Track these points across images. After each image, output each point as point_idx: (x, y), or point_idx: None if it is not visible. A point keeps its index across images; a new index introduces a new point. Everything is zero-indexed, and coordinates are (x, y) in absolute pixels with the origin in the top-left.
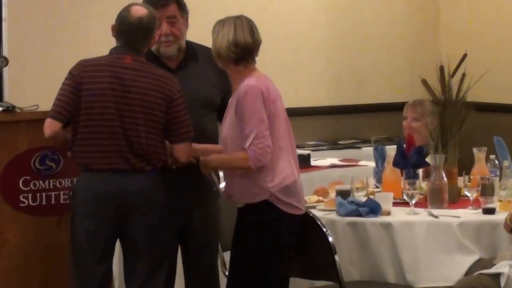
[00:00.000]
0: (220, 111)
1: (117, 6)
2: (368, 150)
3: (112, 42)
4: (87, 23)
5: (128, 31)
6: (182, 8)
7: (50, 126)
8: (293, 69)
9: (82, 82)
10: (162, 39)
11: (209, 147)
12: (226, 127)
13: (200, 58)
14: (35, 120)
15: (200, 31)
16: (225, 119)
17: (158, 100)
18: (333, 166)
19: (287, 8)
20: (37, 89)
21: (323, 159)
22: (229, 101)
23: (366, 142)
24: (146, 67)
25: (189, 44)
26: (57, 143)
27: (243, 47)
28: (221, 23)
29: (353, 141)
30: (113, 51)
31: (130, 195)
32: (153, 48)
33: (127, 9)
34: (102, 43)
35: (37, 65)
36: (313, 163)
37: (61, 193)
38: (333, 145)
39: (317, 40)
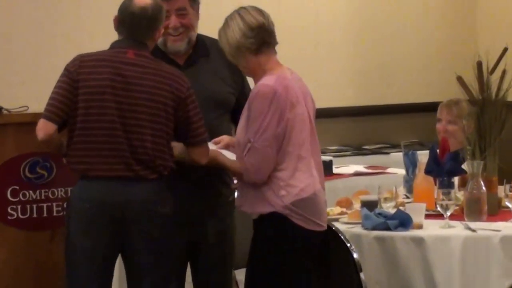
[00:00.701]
0: (234, 113)
1: None
2: (397, 156)
3: (111, 35)
4: (81, 13)
5: (131, 22)
6: None
7: (44, 128)
8: (312, 66)
9: (79, 79)
10: (170, 32)
11: (231, 143)
12: (239, 130)
13: (211, 52)
14: (25, 123)
15: (211, 23)
16: (240, 120)
17: (165, 100)
18: (357, 174)
19: None
20: (26, 88)
21: (347, 166)
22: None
23: (395, 147)
24: (150, 62)
25: (199, 37)
26: (50, 148)
27: (259, 28)
28: (224, 25)
29: (380, 146)
30: (114, 44)
31: (131, 206)
32: (159, 42)
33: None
34: (100, 36)
35: (26, 61)
36: (335, 170)
37: (54, 204)
38: (358, 150)
39: (338, 33)
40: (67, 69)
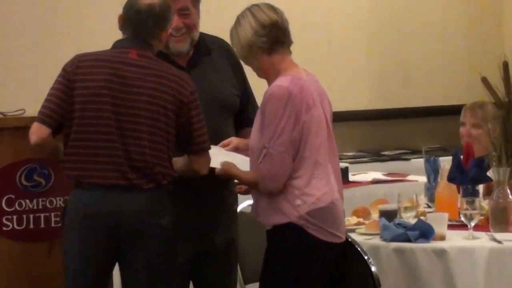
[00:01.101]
0: (238, 116)
1: None
2: (418, 162)
3: (112, 35)
4: (81, 12)
5: (136, 20)
6: None
7: (37, 132)
8: (325, 66)
9: (75, 79)
10: (173, 33)
11: (240, 145)
12: (253, 135)
13: (213, 51)
14: (21, 127)
15: (214, 21)
16: (254, 125)
17: (166, 104)
18: (375, 181)
19: None
20: (23, 90)
21: (364, 173)
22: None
23: (415, 152)
24: (154, 63)
25: (199, 36)
26: (45, 153)
27: (272, 25)
28: (235, 23)
29: (399, 151)
30: (116, 44)
31: (125, 217)
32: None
33: None
34: (100, 36)
35: (23, 60)
36: (351, 178)
37: (52, 214)
38: (376, 156)
39: (354, 29)
40: (64, 69)
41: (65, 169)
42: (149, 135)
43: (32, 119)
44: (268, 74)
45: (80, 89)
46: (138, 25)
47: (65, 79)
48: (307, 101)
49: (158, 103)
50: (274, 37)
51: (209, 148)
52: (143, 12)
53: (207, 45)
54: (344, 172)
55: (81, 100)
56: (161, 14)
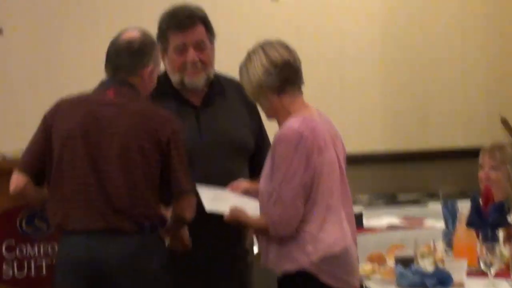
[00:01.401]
0: (253, 159)
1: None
2: (436, 206)
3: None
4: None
5: (114, 57)
6: (210, 32)
7: (15, 181)
8: (338, 106)
9: (52, 125)
10: (188, 67)
11: (251, 188)
12: (263, 179)
13: (228, 91)
14: None
15: (226, 61)
16: (264, 168)
17: (142, 142)
18: (391, 227)
19: (329, 27)
20: (24, 130)
21: (379, 218)
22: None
23: (432, 196)
24: (131, 102)
25: (215, 75)
26: (28, 201)
27: (283, 64)
28: (246, 59)
29: (416, 195)
30: (99, 85)
31: (108, 263)
32: (175, 79)
33: (119, 33)
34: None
35: (23, 101)
36: (366, 223)
37: (55, 261)
38: (391, 200)
39: (368, 66)
40: (44, 116)
41: (49, 218)
42: (125, 174)
43: None
44: (278, 115)
45: (56, 134)
46: (116, 62)
47: (43, 125)
48: (319, 144)
49: (133, 142)
50: (285, 77)
51: (190, 191)
52: (121, 49)
53: (222, 85)
54: (358, 217)
55: (58, 144)
56: (140, 49)
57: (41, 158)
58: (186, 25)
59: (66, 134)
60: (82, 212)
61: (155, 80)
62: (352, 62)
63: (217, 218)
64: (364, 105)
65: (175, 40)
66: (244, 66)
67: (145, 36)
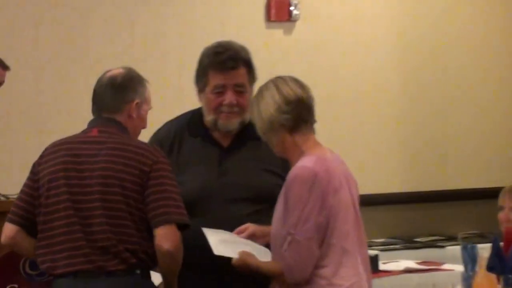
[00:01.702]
0: None
1: None
2: (454, 249)
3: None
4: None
5: (99, 95)
6: (252, 75)
7: (5, 231)
8: (351, 143)
9: (39, 170)
10: (224, 109)
11: (258, 232)
12: (276, 221)
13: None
14: None
15: None
16: (276, 210)
17: (123, 175)
18: (408, 270)
19: (344, 63)
20: (25, 172)
21: (395, 262)
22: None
23: (451, 239)
24: (113, 137)
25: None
26: (22, 252)
27: (297, 102)
28: (257, 95)
29: (434, 238)
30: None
31: None
32: (209, 119)
33: (104, 72)
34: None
35: (24, 143)
36: (382, 266)
37: None
38: (408, 243)
39: (384, 104)
40: (33, 164)
41: (38, 264)
42: (106, 210)
43: None
44: (289, 153)
45: (42, 179)
46: (100, 101)
47: (31, 173)
48: (334, 184)
49: (113, 176)
50: (298, 114)
51: (172, 222)
52: (104, 86)
53: (255, 130)
54: (374, 260)
55: (44, 189)
56: (122, 84)
57: (29, 206)
58: (229, 66)
59: (50, 177)
60: (67, 254)
61: (144, 117)
62: (367, 100)
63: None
64: (380, 144)
65: (215, 80)
66: (256, 101)
67: (129, 71)
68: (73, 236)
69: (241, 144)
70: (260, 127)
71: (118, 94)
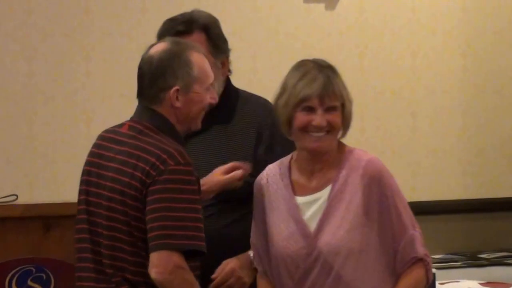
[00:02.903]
0: None
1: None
2: None
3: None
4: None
5: (138, 77)
6: (216, 45)
7: None
8: (408, 145)
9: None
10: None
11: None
12: (345, 231)
13: (241, 113)
14: (13, 218)
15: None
16: (334, 218)
17: (124, 189)
18: None
19: (400, 59)
20: (16, 174)
21: (456, 282)
22: (333, 189)
23: None
24: (138, 137)
25: (232, 92)
26: None
27: None
28: (338, 74)
29: (502, 254)
30: None
31: None
32: None
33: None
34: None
35: (15, 142)
36: (440, 287)
37: None
38: (472, 260)
39: (443, 92)
40: None
41: None
42: (107, 230)
43: (26, 207)
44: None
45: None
46: (138, 85)
47: None
48: None
49: (117, 189)
50: None
51: (164, 248)
52: (141, 68)
53: (235, 106)
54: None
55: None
56: (159, 67)
57: None
58: (179, 30)
59: (80, 179)
60: (79, 274)
61: (197, 99)
62: (423, 89)
63: None
64: (439, 143)
65: None
66: (342, 84)
67: (171, 47)
68: (84, 255)
69: (212, 125)
70: (349, 109)
71: (154, 80)
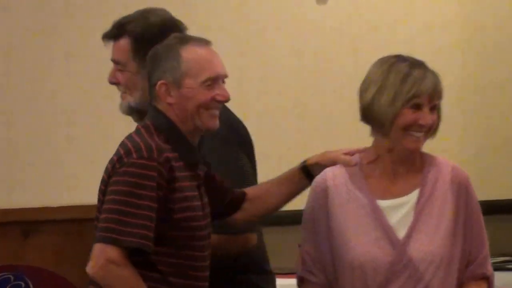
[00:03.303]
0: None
1: None
2: None
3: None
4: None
5: None
6: (138, 50)
7: None
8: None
9: None
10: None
11: None
12: (440, 238)
13: None
14: None
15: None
16: (427, 224)
17: (102, 183)
18: None
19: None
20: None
21: None
22: (422, 193)
23: None
24: (125, 139)
25: None
26: None
27: None
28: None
29: (504, 259)
30: None
31: None
32: None
33: None
34: None
35: None
36: None
37: None
38: None
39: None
40: None
41: None
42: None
43: (3, 212)
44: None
45: None
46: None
47: None
48: None
49: (100, 188)
50: None
51: (99, 241)
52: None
53: None
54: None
55: None
56: (149, 62)
57: None
58: (105, 37)
59: None
60: None
61: (190, 95)
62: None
63: None
64: (440, 144)
65: None
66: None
67: (166, 42)
68: None
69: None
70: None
71: (149, 75)
